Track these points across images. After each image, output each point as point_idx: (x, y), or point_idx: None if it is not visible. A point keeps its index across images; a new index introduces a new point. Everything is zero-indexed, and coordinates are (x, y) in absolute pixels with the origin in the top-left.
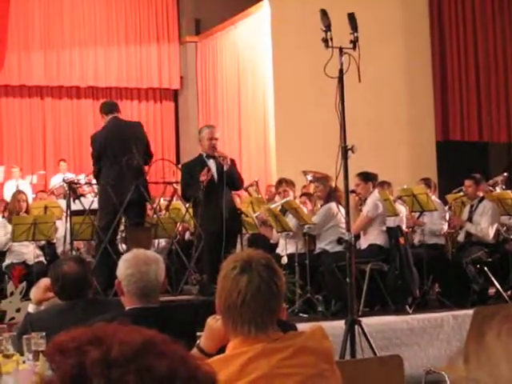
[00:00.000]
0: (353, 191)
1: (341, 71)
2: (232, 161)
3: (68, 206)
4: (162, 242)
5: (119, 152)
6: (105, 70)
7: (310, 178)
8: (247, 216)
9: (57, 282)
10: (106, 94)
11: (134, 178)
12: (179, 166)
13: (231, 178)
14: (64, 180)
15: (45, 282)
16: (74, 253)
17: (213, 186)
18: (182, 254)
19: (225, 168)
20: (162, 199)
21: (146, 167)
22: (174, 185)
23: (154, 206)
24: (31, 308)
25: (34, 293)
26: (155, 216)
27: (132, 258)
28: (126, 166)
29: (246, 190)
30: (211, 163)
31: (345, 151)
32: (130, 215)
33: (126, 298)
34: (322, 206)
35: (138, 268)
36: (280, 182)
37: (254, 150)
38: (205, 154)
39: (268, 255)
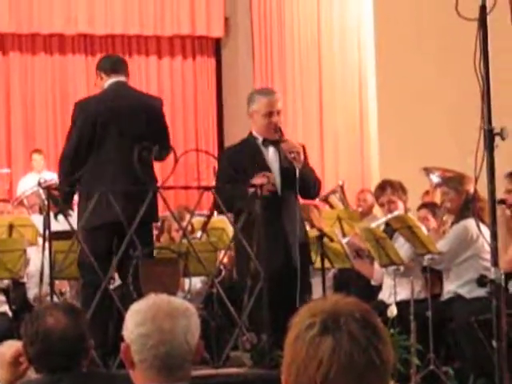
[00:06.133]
0: (502, 201)
1: (483, 8)
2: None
3: (46, 224)
4: (197, 282)
5: (124, 138)
6: (105, 10)
7: (435, 178)
8: (332, 240)
9: (34, 343)
10: (106, 47)
11: (137, 182)
12: None
13: (305, 182)
14: (40, 183)
15: (12, 348)
16: (54, 298)
17: (273, 195)
18: (227, 302)
19: (297, 171)
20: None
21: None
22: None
23: (184, 224)
24: None
25: None
26: (184, 241)
27: (147, 309)
28: (139, 160)
29: (326, 199)
30: (272, 154)
31: (489, 137)
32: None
33: (137, 372)
34: (453, 224)
35: (156, 325)
36: (383, 186)
37: (342, 135)
38: (260, 138)
39: (365, 305)
